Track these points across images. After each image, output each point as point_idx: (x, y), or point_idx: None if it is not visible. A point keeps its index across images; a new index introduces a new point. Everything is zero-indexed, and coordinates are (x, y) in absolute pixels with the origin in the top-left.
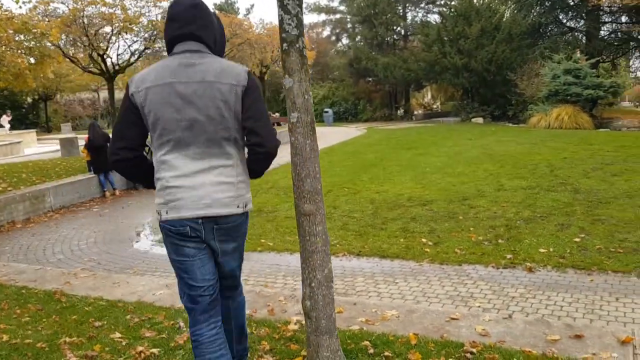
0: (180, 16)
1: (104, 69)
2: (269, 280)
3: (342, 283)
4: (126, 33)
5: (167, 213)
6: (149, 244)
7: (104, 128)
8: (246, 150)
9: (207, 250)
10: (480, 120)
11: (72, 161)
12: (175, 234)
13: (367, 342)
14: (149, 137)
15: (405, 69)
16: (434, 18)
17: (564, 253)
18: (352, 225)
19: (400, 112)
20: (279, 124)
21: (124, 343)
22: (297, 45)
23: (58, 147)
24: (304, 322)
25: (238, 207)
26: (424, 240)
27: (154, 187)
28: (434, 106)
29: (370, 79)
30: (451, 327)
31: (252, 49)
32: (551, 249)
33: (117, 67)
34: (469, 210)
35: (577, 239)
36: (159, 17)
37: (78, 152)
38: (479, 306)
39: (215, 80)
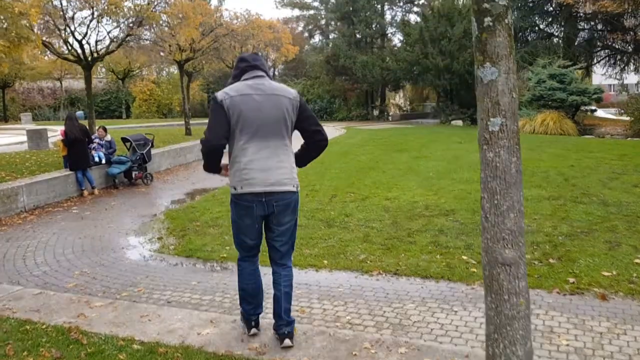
0: (248, 57)
1: (81, 56)
2: (303, 304)
3: (391, 310)
4: (109, 17)
5: (242, 188)
6: (147, 253)
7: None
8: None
9: (260, 221)
10: (459, 123)
11: (42, 155)
12: (242, 204)
13: None
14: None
15: (384, 68)
16: (413, 18)
17: (630, 277)
18: (375, 237)
19: (376, 112)
20: None
21: None
22: (506, 21)
23: (23, 138)
24: None
25: (293, 186)
26: (464, 257)
27: (217, 172)
28: (408, 107)
29: (346, 77)
30: None
31: (234, 41)
32: (614, 272)
33: (95, 55)
34: None
35: (637, 260)
36: (145, 0)
37: (48, 145)
38: (568, 344)
39: (280, 94)
